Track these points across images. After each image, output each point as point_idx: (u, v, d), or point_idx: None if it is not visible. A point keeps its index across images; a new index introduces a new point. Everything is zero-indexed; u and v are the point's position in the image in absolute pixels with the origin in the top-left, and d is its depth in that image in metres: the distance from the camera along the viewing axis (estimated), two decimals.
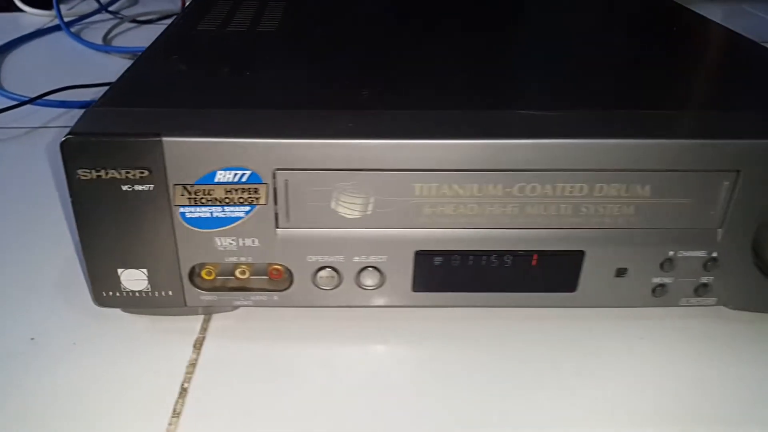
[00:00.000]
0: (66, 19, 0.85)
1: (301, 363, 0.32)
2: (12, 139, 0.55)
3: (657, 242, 0.32)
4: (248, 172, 0.29)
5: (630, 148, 0.29)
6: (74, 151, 0.28)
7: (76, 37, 0.80)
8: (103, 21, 0.89)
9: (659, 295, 0.33)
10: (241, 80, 0.35)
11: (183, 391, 0.30)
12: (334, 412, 0.29)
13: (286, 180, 0.29)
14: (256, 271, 0.32)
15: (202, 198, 0.30)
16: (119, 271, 0.31)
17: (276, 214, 0.30)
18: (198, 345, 0.33)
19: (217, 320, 0.34)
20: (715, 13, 0.99)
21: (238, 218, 0.30)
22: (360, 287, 0.33)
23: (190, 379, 0.31)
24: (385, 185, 0.30)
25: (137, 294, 0.32)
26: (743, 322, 0.34)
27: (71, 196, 0.29)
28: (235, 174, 0.29)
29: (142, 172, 0.29)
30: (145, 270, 0.31)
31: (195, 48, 0.41)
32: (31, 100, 0.59)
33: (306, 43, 0.42)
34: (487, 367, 0.31)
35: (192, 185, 0.29)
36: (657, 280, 0.33)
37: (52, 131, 0.56)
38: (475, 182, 0.30)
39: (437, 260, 0.32)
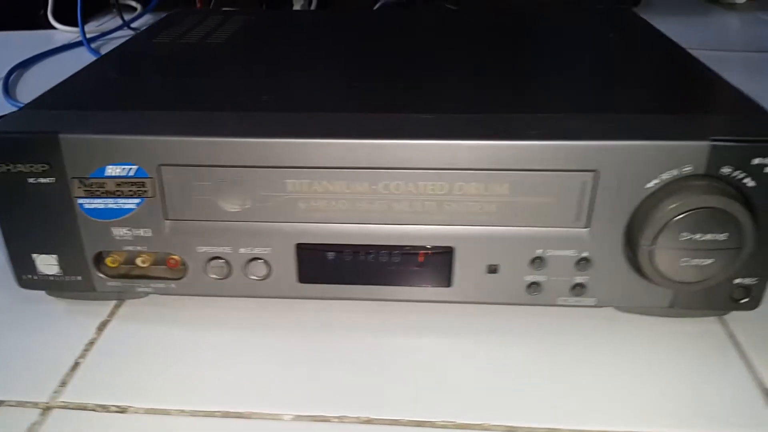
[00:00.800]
0: (92, 35, 0.92)
1: (192, 347, 0.34)
2: None
3: (524, 241, 0.32)
4: (135, 167, 0.32)
5: (485, 148, 0.30)
6: None
7: (95, 52, 0.86)
8: (125, 36, 0.95)
9: (534, 292, 0.34)
10: (150, 86, 0.39)
11: (75, 365, 0.33)
12: (208, 391, 0.31)
13: (170, 175, 0.32)
14: (156, 261, 0.35)
15: (96, 190, 0.33)
16: (33, 256, 0.35)
17: (163, 207, 0.33)
18: (102, 327, 0.36)
19: (127, 306, 0.37)
20: (730, 22, 0.97)
21: (130, 209, 0.33)
22: (249, 278, 0.35)
23: (85, 355, 0.34)
24: (260, 181, 0.32)
25: (52, 278, 0.35)
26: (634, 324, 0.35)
27: None
28: (123, 168, 0.32)
29: (44, 166, 0.32)
30: (55, 256, 0.35)
31: (133, 58, 0.45)
32: None
33: (234, 54, 0.45)
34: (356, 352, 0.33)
35: (87, 178, 0.32)
36: (530, 278, 0.33)
37: None
38: (343, 180, 0.32)
39: (317, 253, 0.34)
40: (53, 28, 1.00)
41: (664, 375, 0.32)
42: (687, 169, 0.30)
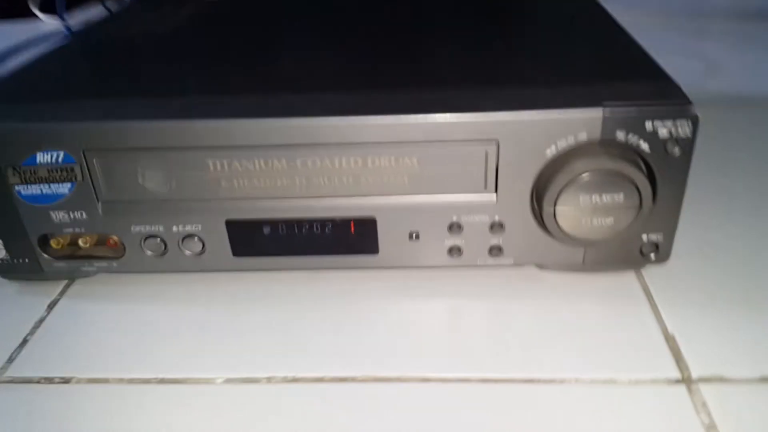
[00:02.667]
0: (78, 27, 0.92)
1: (133, 320, 0.36)
2: None
3: (439, 208, 0.34)
4: (62, 154, 0.34)
5: (392, 123, 0.32)
6: None
7: None
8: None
9: (455, 255, 0.36)
10: (80, 76, 0.40)
11: (23, 342, 0.35)
12: (147, 360, 0.33)
13: (94, 159, 0.34)
14: (98, 241, 0.37)
15: (30, 177, 0.34)
16: None
17: (94, 189, 0.35)
18: (51, 305, 0.38)
19: (77, 285, 0.39)
20: None
21: (63, 194, 0.35)
22: (186, 253, 0.37)
23: (34, 332, 0.36)
24: (182, 162, 0.34)
25: (1, 261, 0.37)
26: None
27: None
28: (51, 155, 0.34)
29: None
30: (0, 241, 0.37)
31: (82, 47, 0.46)
32: None
33: (167, 40, 0.46)
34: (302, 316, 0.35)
35: (20, 167, 0.34)
36: (449, 243, 0.35)
37: None
38: (261, 157, 0.33)
39: (247, 228, 0.36)
40: (35, 17, 1.00)
41: (579, 325, 0.34)
42: (582, 135, 0.31)
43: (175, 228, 0.36)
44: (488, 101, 0.32)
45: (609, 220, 0.33)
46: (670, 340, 0.33)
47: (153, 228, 0.36)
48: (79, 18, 0.99)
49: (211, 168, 0.34)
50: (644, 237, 0.35)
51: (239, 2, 0.55)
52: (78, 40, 0.48)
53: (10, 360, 0.34)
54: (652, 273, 0.37)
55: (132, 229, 0.36)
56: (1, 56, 0.83)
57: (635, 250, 0.35)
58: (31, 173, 0.34)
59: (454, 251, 0.36)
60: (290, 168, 0.33)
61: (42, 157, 0.34)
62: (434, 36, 0.44)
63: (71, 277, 0.40)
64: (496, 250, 0.35)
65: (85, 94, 0.36)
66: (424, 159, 0.33)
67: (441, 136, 0.32)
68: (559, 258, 0.36)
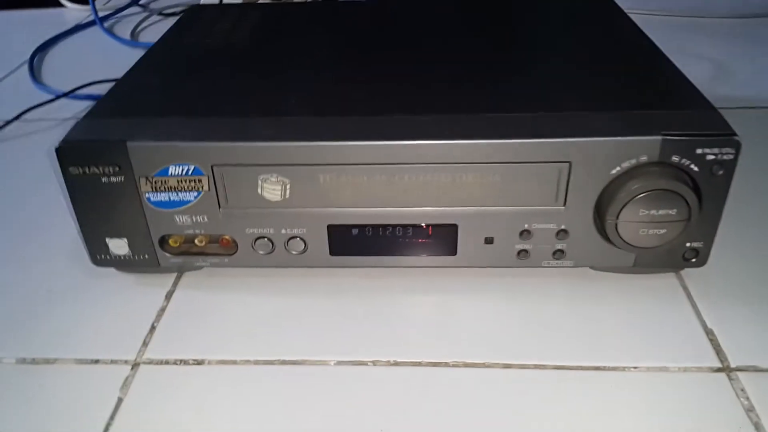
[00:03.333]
0: (102, 14, 0.97)
1: (247, 309, 0.42)
2: (49, 129, 0.66)
3: (514, 218, 0.40)
4: (192, 167, 0.39)
5: (480, 146, 0.37)
6: (65, 155, 0.39)
7: (108, 32, 0.91)
8: (135, 14, 1.00)
9: (523, 258, 0.41)
10: (192, 91, 0.45)
11: (152, 329, 0.41)
12: (266, 344, 0.39)
13: (221, 173, 0.39)
14: (211, 240, 0.42)
15: (160, 186, 0.40)
16: (107, 240, 0.42)
17: (217, 198, 0.40)
18: (169, 296, 0.43)
19: (187, 277, 0.45)
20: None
21: (189, 201, 0.40)
22: (290, 252, 0.42)
23: (159, 319, 0.41)
24: (297, 176, 0.39)
25: (122, 257, 0.43)
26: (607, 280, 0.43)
27: (66, 186, 0.40)
28: (183, 168, 0.39)
29: (115, 168, 0.39)
30: (125, 239, 0.42)
31: (168, 63, 0.51)
32: (65, 95, 0.71)
33: (258, 56, 0.51)
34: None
35: (152, 177, 0.39)
36: (519, 247, 0.41)
37: None
38: (364, 174, 0.39)
39: (345, 231, 0.41)
40: (62, 5, 1.05)
41: (628, 320, 0.40)
42: (643, 158, 0.37)
43: (283, 230, 0.41)
44: (563, 128, 0.37)
45: (662, 231, 0.38)
46: (710, 334, 0.39)
47: (264, 230, 0.41)
48: (107, 3, 1.03)
49: (321, 181, 0.39)
50: (688, 244, 0.40)
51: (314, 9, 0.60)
52: (161, 51, 0.53)
53: (145, 344, 0.39)
54: (689, 273, 0.43)
55: (246, 231, 0.41)
56: (43, 47, 0.87)
57: (679, 255, 0.41)
58: (161, 183, 0.40)
59: (522, 254, 0.41)
60: (389, 182, 0.39)
61: (174, 170, 0.39)
62: (501, 62, 0.49)
63: (182, 270, 0.45)
64: (559, 254, 0.41)
65: (206, 112, 0.41)
66: (506, 176, 0.38)
67: (522, 157, 0.37)
68: (613, 261, 0.41)
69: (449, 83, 0.44)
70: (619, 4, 0.58)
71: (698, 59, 0.75)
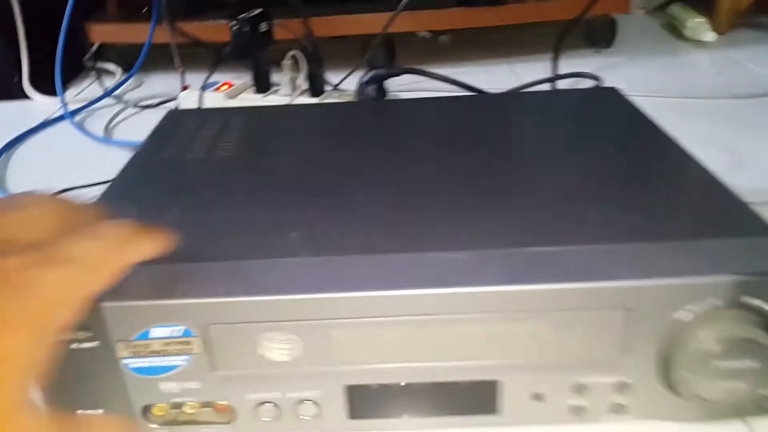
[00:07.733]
0: (74, 107, 0.91)
1: None
2: None
3: (565, 370, 0.34)
4: (182, 328, 0.32)
5: (526, 294, 0.32)
6: None
7: (80, 127, 0.85)
8: (108, 106, 0.94)
9: (577, 414, 0.35)
10: (179, 227, 0.36)
11: None
12: None
13: (218, 333, 0.33)
14: (204, 404, 0.35)
15: (141, 351, 0.33)
16: (79, 412, 0.35)
17: (211, 361, 0.33)
18: None
19: None
20: (701, 62, 1.01)
21: (177, 366, 0.33)
22: (300, 417, 0.35)
23: None
24: (306, 333, 0.33)
25: None
26: None
27: None
28: (170, 330, 0.32)
29: (87, 333, 0.32)
30: (101, 411, 0.35)
31: (147, 184, 0.44)
32: None
33: (256, 178, 0.44)
34: None
35: (131, 341, 0.33)
36: (573, 402, 0.35)
37: None
38: (384, 329, 0.33)
39: (368, 392, 0.34)
40: (28, 98, 0.98)
41: None
42: (710, 300, 0.31)
43: (291, 394, 0.35)
44: (614, 267, 0.32)
45: (738, 383, 0.32)
46: None
47: (269, 395, 0.35)
48: (74, 96, 0.97)
49: (336, 338, 0.33)
50: (763, 392, 0.35)
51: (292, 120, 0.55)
52: (137, 170, 0.46)
53: None
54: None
55: (245, 396, 0.35)
56: (9, 145, 0.81)
57: (754, 403, 0.35)
58: (143, 347, 0.33)
59: (576, 410, 0.35)
60: (415, 336, 0.33)
61: (158, 332, 0.32)
62: (531, 183, 0.42)
63: None
64: (618, 407, 0.35)
65: (194, 255, 0.35)
66: (555, 326, 0.32)
67: (570, 305, 0.32)
68: (680, 414, 0.35)
69: (471, 210, 0.38)
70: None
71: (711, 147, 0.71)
